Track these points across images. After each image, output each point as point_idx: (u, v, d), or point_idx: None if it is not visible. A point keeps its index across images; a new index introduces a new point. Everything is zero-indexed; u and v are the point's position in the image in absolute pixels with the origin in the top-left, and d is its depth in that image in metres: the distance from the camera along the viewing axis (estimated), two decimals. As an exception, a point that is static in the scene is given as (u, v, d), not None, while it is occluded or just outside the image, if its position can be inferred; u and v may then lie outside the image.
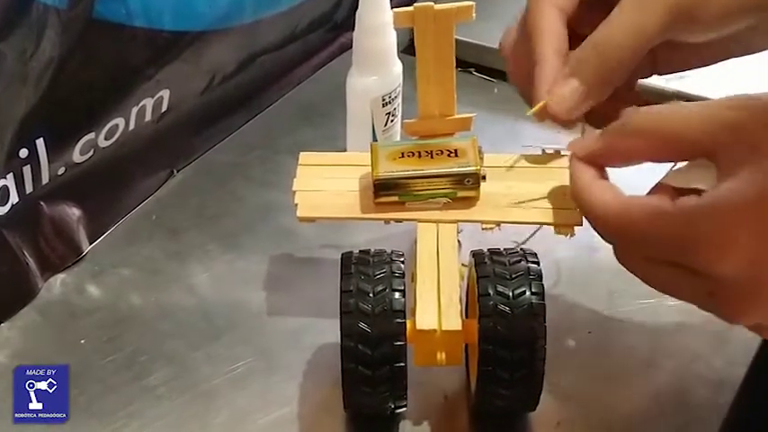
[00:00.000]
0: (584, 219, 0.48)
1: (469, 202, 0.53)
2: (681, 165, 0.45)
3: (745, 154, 0.40)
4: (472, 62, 0.83)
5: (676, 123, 0.43)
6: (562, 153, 0.56)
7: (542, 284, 0.49)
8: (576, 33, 0.52)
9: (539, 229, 0.55)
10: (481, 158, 0.53)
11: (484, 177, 0.53)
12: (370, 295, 0.49)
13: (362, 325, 0.48)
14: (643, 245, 0.43)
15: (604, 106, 0.52)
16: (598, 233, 0.45)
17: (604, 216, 0.44)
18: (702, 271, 0.41)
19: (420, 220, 0.53)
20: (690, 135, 0.42)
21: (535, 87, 0.51)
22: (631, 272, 0.45)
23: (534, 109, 0.51)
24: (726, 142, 0.41)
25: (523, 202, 0.53)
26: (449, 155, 0.53)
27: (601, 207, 0.45)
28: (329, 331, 0.58)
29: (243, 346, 0.59)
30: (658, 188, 0.45)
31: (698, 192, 0.41)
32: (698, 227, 0.40)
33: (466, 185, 0.53)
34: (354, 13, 0.66)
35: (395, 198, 0.53)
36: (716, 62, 0.56)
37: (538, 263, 0.50)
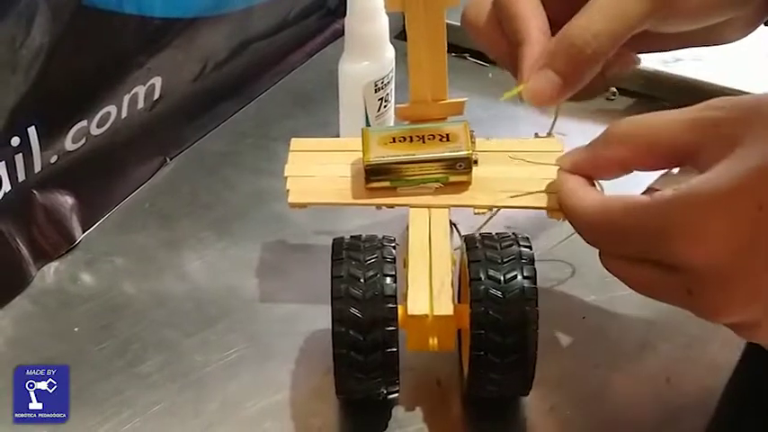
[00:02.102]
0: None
1: (461, 186, 0.53)
2: (673, 171, 0.45)
3: (723, 149, 0.40)
4: (466, 47, 0.82)
5: (659, 129, 0.44)
6: (554, 135, 0.56)
7: (534, 268, 0.49)
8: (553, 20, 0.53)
9: (496, 212, 0.55)
10: (473, 143, 0.53)
11: (476, 162, 0.53)
12: (362, 281, 0.49)
13: (354, 310, 0.48)
14: (621, 241, 0.44)
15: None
16: (582, 236, 0.46)
17: (585, 215, 0.45)
18: (679, 265, 0.41)
19: (412, 206, 0.53)
20: (673, 139, 0.43)
21: (521, 66, 0.52)
22: (614, 275, 0.46)
23: (510, 93, 0.52)
24: (706, 142, 0.41)
25: (516, 196, 0.52)
26: (440, 139, 0.53)
27: (582, 208, 0.46)
28: (322, 317, 0.58)
29: (236, 333, 0.59)
30: (645, 192, 0.45)
31: None
32: (672, 217, 0.40)
33: (458, 170, 0.52)
34: (347, -1, 0.65)
35: (386, 183, 0.53)
36: (690, 47, 0.56)
37: (530, 247, 0.50)
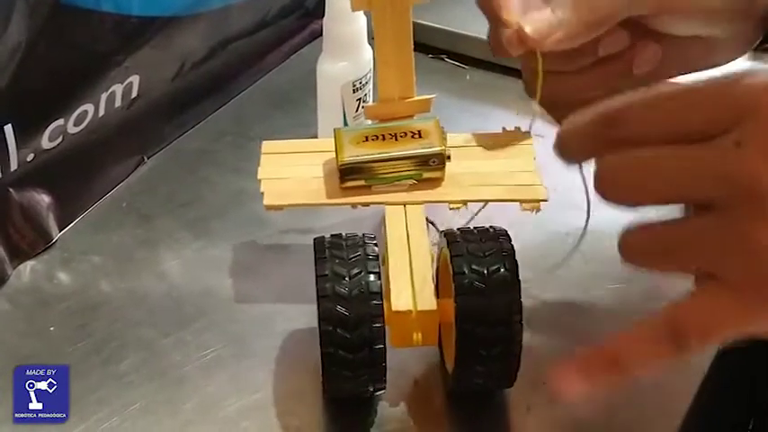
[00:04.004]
0: (547, 197, 0.48)
1: (435, 182, 0.53)
2: None
3: None
4: (444, 48, 0.83)
5: (715, 81, 0.37)
6: (522, 130, 0.57)
7: (516, 261, 0.49)
8: None
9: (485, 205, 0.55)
10: (444, 139, 0.53)
11: (449, 157, 0.53)
12: (346, 279, 0.49)
13: (340, 308, 0.48)
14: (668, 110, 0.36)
15: (562, 90, 0.52)
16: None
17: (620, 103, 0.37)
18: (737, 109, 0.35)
19: (387, 203, 0.53)
20: (732, 91, 0.36)
21: (503, 14, 0.50)
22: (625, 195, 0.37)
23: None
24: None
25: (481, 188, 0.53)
26: (413, 136, 0.53)
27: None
28: (300, 317, 0.58)
29: (213, 333, 0.59)
30: None
31: None
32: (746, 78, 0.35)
33: (431, 166, 0.53)
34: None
35: (361, 182, 0.53)
36: (680, 74, 0.57)
37: (510, 239, 0.50)
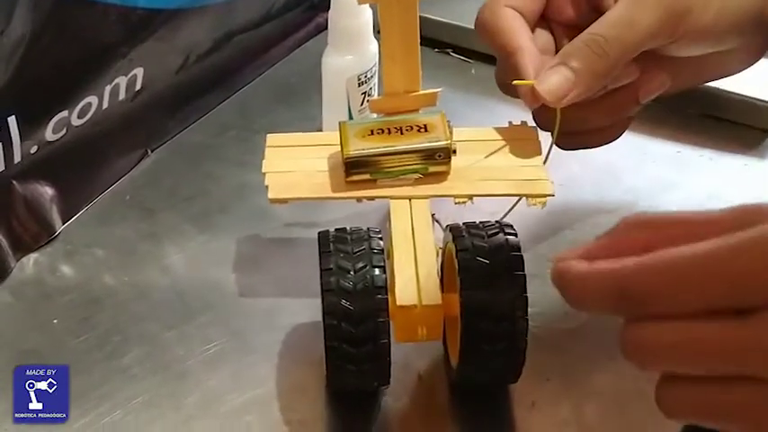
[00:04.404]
0: (553, 192, 0.49)
1: (441, 176, 0.53)
2: None
3: None
4: (449, 43, 0.82)
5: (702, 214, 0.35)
6: (529, 124, 0.57)
7: (521, 256, 0.49)
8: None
9: (518, 202, 0.55)
10: (450, 132, 0.53)
11: (454, 151, 0.53)
12: (351, 273, 0.49)
13: (345, 302, 0.48)
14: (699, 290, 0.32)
15: (569, 120, 0.52)
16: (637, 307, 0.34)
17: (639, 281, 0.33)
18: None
19: (393, 197, 0.53)
20: (706, 215, 0.34)
21: (523, 70, 0.53)
22: (672, 408, 0.34)
23: (522, 82, 0.52)
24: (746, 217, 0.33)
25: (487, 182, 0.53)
26: (418, 130, 0.53)
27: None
28: (303, 311, 0.58)
29: (217, 327, 0.59)
30: None
31: None
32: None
33: (437, 160, 0.53)
34: (330, -7, 0.65)
35: (366, 176, 0.53)
36: (695, 84, 0.57)
37: (515, 234, 0.50)
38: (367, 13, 0.65)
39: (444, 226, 0.53)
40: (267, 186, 0.54)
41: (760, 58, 0.57)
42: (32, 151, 0.61)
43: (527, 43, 0.54)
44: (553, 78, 0.51)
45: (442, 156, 0.52)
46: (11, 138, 0.58)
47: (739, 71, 0.58)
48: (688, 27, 0.51)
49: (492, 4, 0.55)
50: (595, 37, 0.51)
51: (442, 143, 0.52)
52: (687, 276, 0.32)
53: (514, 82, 0.53)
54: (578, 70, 0.51)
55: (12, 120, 0.58)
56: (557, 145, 0.54)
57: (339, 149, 0.53)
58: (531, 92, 0.52)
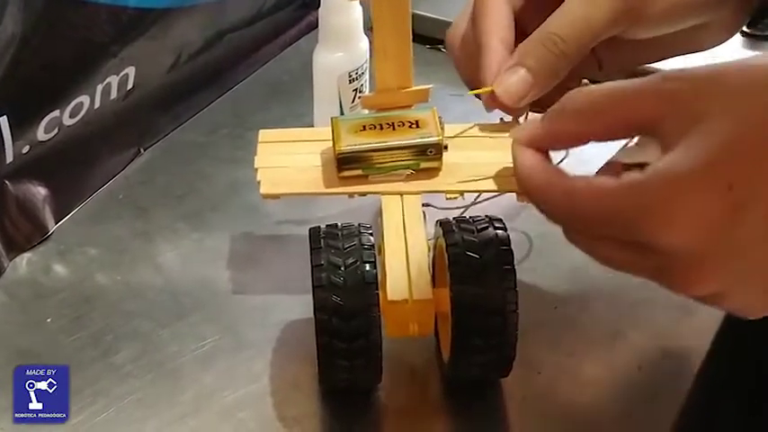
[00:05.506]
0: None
1: (432, 172, 0.53)
2: (632, 142, 0.45)
3: (685, 123, 0.39)
4: (441, 39, 0.82)
5: (614, 100, 0.42)
6: (520, 121, 0.56)
7: (511, 250, 0.50)
8: (523, 31, 0.53)
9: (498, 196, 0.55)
10: (442, 129, 0.53)
11: (446, 147, 0.53)
12: (342, 268, 0.49)
13: (336, 298, 0.48)
14: (589, 224, 0.42)
15: (550, 98, 0.52)
16: (545, 216, 0.45)
17: (550, 200, 0.43)
18: (649, 245, 0.40)
19: (384, 193, 0.53)
20: (628, 110, 0.42)
21: (481, 74, 0.52)
22: (580, 249, 0.44)
23: (479, 90, 0.52)
24: (665, 114, 0.40)
25: (477, 179, 0.53)
26: (410, 126, 0.53)
27: (545, 191, 0.44)
28: (296, 308, 0.58)
29: (210, 324, 0.59)
30: (606, 167, 0.44)
31: (644, 167, 0.41)
32: (641, 200, 0.39)
33: (428, 156, 0.53)
34: (321, -9, 0.65)
35: (358, 171, 0.53)
36: (663, 59, 0.57)
37: (505, 228, 0.50)
38: (357, 10, 0.66)
39: (435, 221, 0.53)
40: (259, 182, 0.54)
41: (736, 32, 0.56)
42: (24, 151, 0.61)
43: (494, 42, 0.53)
44: (511, 80, 0.51)
45: (433, 152, 0.53)
46: (2, 138, 0.58)
47: (715, 45, 0.57)
48: (643, 14, 0.51)
49: None
50: (552, 36, 0.50)
51: (434, 139, 0.52)
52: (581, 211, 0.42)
53: (469, 93, 0.53)
54: (535, 70, 0.51)
55: (3, 120, 0.58)
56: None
57: (331, 145, 0.53)
58: (489, 99, 0.52)
